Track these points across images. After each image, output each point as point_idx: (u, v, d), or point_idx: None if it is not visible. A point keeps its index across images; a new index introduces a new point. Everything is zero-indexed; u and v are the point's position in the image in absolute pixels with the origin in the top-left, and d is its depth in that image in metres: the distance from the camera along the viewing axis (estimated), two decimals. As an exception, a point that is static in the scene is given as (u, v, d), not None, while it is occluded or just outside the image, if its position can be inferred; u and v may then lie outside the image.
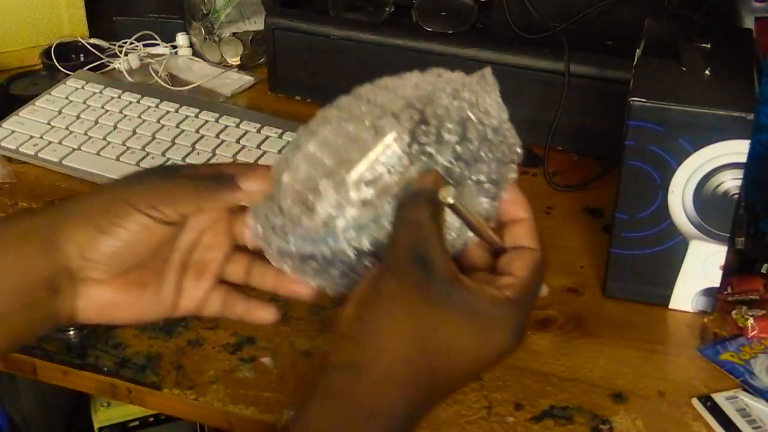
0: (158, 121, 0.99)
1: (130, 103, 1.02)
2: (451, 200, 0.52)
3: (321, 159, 0.54)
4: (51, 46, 1.09)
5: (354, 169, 0.52)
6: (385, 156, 0.52)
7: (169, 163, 0.92)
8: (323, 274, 0.56)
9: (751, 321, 0.72)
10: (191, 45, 1.14)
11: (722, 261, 0.72)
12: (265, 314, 0.60)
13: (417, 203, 0.52)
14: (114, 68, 1.10)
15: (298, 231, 0.54)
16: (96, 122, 0.99)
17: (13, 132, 0.97)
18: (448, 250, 0.52)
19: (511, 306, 0.52)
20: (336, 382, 0.51)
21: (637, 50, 0.76)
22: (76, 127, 0.98)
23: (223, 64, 1.12)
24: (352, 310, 0.53)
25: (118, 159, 0.93)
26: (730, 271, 0.75)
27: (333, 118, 0.55)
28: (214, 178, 0.56)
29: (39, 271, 0.55)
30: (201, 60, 1.13)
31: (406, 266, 0.51)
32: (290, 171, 0.55)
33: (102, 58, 1.11)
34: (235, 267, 0.60)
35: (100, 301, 0.57)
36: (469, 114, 0.54)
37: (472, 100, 0.54)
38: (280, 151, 0.93)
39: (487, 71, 0.55)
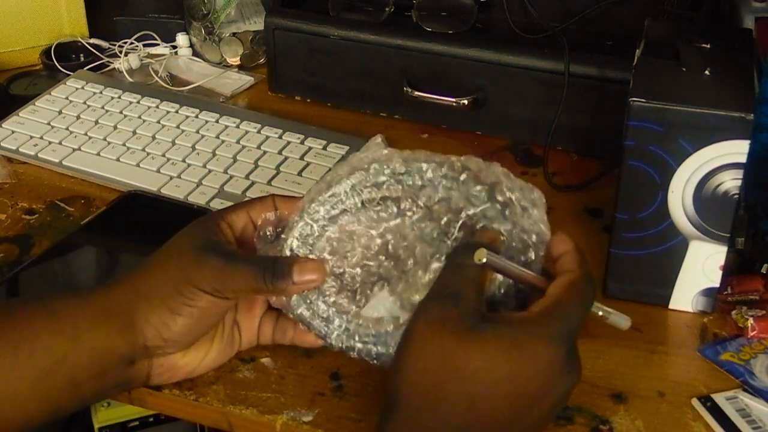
0: (158, 122, 0.99)
1: (130, 103, 1.02)
2: (484, 259, 0.55)
3: (380, 255, 0.61)
4: (51, 46, 1.09)
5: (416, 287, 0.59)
6: None
7: (170, 163, 0.92)
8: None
9: (751, 321, 0.72)
10: (191, 45, 1.14)
11: (722, 261, 0.72)
12: (312, 338, 0.65)
13: (467, 251, 0.57)
14: (114, 68, 1.10)
15: (342, 323, 0.62)
16: (96, 122, 0.99)
17: (13, 132, 0.97)
18: (483, 294, 0.57)
19: (539, 319, 0.55)
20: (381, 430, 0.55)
21: (637, 50, 0.76)
22: (77, 128, 0.98)
23: (223, 64, 1.12)
24: (394, 357, 0.58)
25: (118, 159, 0.93)
26: (730, 271, 0.75)
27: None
28: (273, 266, 0.61)
29: (117, 349, 0.61)
30: (201, 60, 1.13)
31: (437, 302, 0.56)
32: (343, 258, 0.62)
33: (102, 58, 1.11)
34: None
35: (173, 366, 0.64)
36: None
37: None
38: (280, 152, 0.93)
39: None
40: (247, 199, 0.83)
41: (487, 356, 0.53)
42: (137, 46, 1.12)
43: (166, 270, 0.61)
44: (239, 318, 0.67)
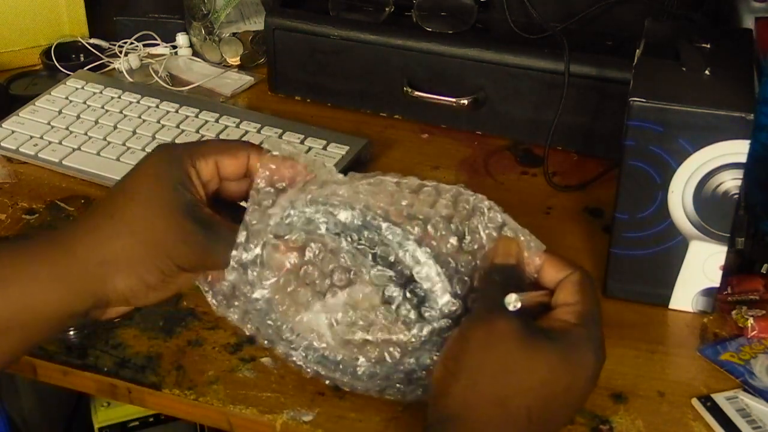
0: (158, 122, 0.99)
1: (130, 103, 1.02)
2: (518, 305, 0.55)
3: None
4: (51, 46, 1.09)
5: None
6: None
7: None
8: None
9: (751, 321, 0.72)
10: (191, 45, 1.14)
11: (722, 261, 0.72)
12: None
13: (509, 248, 0.58)
14: (114, 68, 1.10)
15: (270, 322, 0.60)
16: (96, 122, 0.99)
17: (13, 132, 0.97)
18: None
19: (580, 329, 0.55)
20: None
21: (637, 50, 0.76)
22: (76, 128, 0.98)
23: (223, 64, 1.12)
24: (440, 369, 0.55)
25: (118, 159, 0.93)
26: (730, 271, 0.75)
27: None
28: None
29: (75, 310, 0.57)
30: (201, 60, 1.13)
31: (496, 311, 0.54)
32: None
33: (102, 58, 1.11)
34: None
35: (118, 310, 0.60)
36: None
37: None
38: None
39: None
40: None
41: (550, 368, 0.53)
42: (137, 46, 1.12)
43: (136, 234, 0.56)
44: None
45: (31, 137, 0.96)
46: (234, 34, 1.13)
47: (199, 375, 0.70)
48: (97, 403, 1.17)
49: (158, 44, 1.13)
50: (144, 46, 1.13)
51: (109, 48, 1.13)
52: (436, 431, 0.54)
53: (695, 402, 0.67)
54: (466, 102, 0.96)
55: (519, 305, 0.54)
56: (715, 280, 0.73)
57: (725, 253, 0.72)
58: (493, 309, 0.54)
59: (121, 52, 1.10)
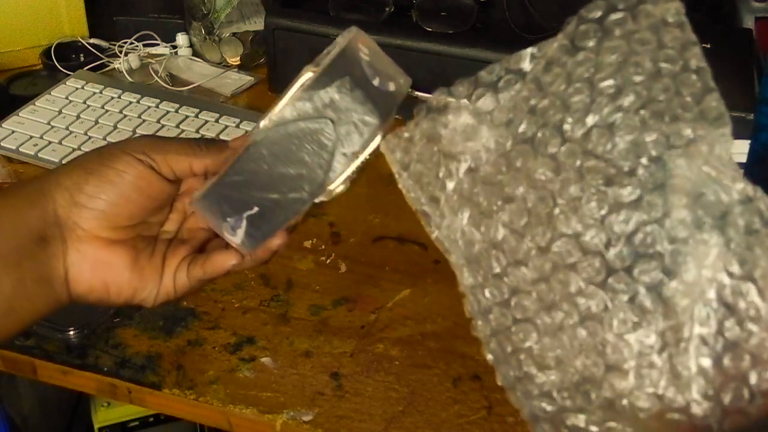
0: (158, 121, 0.99)
1: (130, 103, 1.02)
2: None
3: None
4: (51, 46, 1.09)
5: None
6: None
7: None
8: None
9: (751, 321, 0.72)
10: (191, 45, 1.14)
11: (722, 261, 0.72)
12: (227, 257, 0.57)
13: None
14: (114, 68, 1.10)
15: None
16: (96, 122, 0.99)
17: (13, 132, 0.97)
18: None
19: None
20: None
21: (637, 50, 0.76)
22: (76, 127, 0.98)
23: (223, 64, 1.13)
24: None
25: (118, 159, 0.93)
26: (730, 271, 0.75)
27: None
28: (207, 141, 0.57)
29: (27, 222, 0.53)
30: (201, 60, 1.13)
31: None
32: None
33: (102, 58, 1.11)
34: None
35: (92, 257, 0.55)
36: None
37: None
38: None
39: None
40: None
41: None
42: (137, 46, 1.12)
43: (93, 150, 0.56)
44: (168, 254, 0.58)
45: (31, 137, 0.96)
46: (234, 34, 1.13)
47: (199, 375, 0.70)
48: (97, 403, 1.17)
49: (158, 44, 1.13)
50: (144, 46, 1.13)
51: (109, 48, 1.13)
52: None
53: (695, 402, 0.67)
54: (466, 102, 0.96)
55: None
56: (715, 280, 0.73)
57: (725, 253, 0.72)
58: None
59: (121, 52, 1.10)
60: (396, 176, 0.52)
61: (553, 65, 0.48)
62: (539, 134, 0.47)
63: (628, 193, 0.45)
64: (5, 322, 0.53)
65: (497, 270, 0.48)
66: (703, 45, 0.75)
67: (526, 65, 0.49)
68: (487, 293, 0.48)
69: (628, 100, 0.46)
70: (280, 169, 0.53)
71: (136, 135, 0.56)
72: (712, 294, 0.44)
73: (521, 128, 0.47)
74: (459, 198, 0.50)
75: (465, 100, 0.49)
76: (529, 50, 0.50)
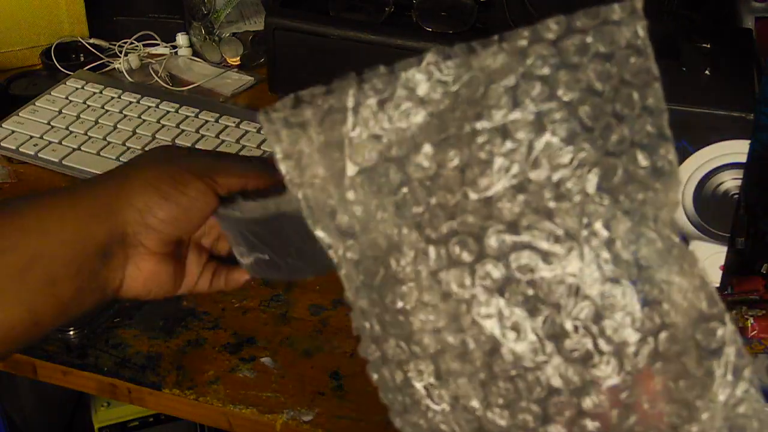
0: (158, 121, 0.99)
1: (130, 103, 1.02)
2: None
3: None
4: (51, 46, 1.09)
5: None
6: None
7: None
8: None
9: (751, 321, 0.72)
10: (191, 45, 1.14)
11: (722, 261, 0.72)
12: (241, 275, 0.61)
13: None
14: (114, 68, 1.10)
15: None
16: (96, 122, 0.99)
17: (13, 132, 0.97)
18: None
19: None
20: None
21: (637, 50, 0.76)
22: (76, 127, 0.98)
23: (223, 64, 1.12)
24: None
25: (118, 159, 0.93)
26: (730, 271, 0.75)
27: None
28: (261, 160, 0.58)
29: (94, 237, 0.55)
30: (201, 60, 1.13)
31: None
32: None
33: (102, 58, 1.11)
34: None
35: (147, 270, 0.58)
36: None
37: None
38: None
39: None
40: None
41: None
42: (137, 46, 1.12)
43: (155, 163, 0.58)
44: (190, 253, 0.62)
45: (31, 137, 0.96)
46: (234, 34, 1.13)
47: (199, 375, 0.70)
48: (97, 403, 1.17)
49: (158, 44, 1.13)
50: (144, 46, 1.13)
51: (109, 48, 1.13)
52: None
53: (695, 402, 0.67)
54: (466, 102, 0.96)
55: None
56: (715, 280, 0.73)
57: (725, 253, 0.72)
58: None
59: (121, 52, 1.10)
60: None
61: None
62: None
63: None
64: (56, 322, 0.56)
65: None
66: (703, 45, 0.75)
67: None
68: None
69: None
70: (298, 243, 0.54)
71: (190, 154, 0.57)
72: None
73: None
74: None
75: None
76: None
